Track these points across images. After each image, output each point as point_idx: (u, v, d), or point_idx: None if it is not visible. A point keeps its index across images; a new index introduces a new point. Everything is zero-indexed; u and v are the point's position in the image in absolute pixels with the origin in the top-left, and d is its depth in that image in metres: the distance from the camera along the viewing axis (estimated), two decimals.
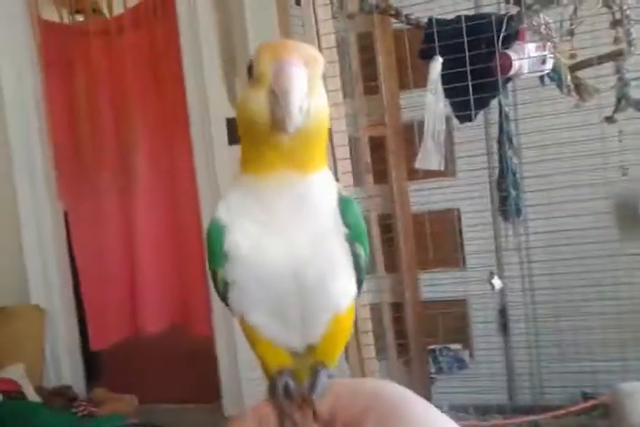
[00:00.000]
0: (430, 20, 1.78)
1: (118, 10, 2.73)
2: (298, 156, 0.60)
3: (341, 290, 0.65)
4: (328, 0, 1.75)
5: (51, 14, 2.79)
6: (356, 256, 0.67)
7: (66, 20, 2.77)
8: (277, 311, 0.64)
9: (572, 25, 1.88)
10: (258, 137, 0.58)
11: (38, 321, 2.66)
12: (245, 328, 0.64)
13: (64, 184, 2.78)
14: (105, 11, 2.81)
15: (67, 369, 2.77)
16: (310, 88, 0.58)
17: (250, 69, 0.59)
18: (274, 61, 0.56)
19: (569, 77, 1.85)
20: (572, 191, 1.84)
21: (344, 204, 0.67)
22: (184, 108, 2.59)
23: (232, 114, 2.47)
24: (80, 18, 2.86)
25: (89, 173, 2.75)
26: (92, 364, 2.96)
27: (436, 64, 1.61)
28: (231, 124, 2.49)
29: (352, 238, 0.67)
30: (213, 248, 0.64)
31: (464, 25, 1.69)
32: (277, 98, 0.55)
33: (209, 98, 2.50)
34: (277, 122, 0.55)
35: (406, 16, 1.92)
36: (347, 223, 0.66)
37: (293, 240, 0.62)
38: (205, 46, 2.48)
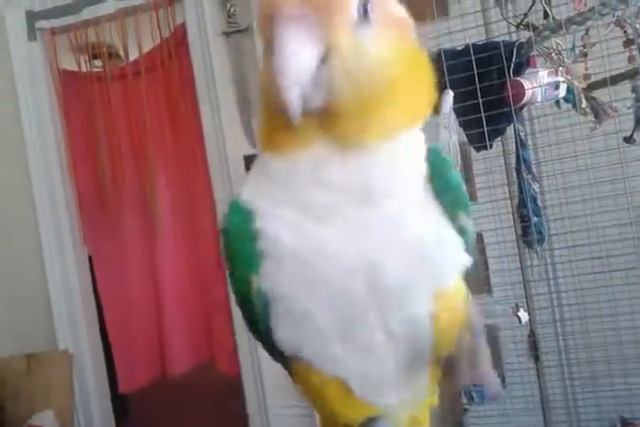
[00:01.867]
0: (439, 52, 1.78)
1: (133, 54, 2.80)
2: (343, 127, 0.47)
3: (441, 287, 0.49)
4: None
5: (69, 62, 2.87)
6: (461, 232, 0.51)
7: (84, 68, 2.85)
8: (352, 334, 0.46)
9: (584, 47, 1.86)
10: (280, 114, 0.45)
11: (67, 366, 2.66)
12: (305, 377, 0.47)
13: (88, 228, 2.82)
14: (121, 54, 2.88)
15: (96, 413, 2.75)
16: (332, 46, 0.45)
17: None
18: (269, 17, 0.45)
19: (584, 100, 1.82)
20: (596, 218, 1.80)
21: (435, 165, 0.51)
22: (202, 148, 2.62)
23: (249, 151, 2.50)
24: (97, 62, 2.94)
25: (112, 215, 2.79)
26: (121, 406, 2.95)
27: (448, 98, 1.61)
28: (249, 162, 2.51)
29: (451, 209, 0.51)
30: (238, 244, 0.48)
31: (473, 57, 1.69)
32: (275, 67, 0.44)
33: (226, 136, 2.53)
34: (280, 106, 0.45)
35: None
36: (440, 190, 0.50)
37: (360, 226, 0.47)
38: (220, 86, 2.52)
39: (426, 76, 0.51)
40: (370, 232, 0.47)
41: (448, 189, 0.50)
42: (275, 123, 0.48)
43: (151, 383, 2.77)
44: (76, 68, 2.85)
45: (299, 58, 0.44)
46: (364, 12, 0.47)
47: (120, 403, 2.94)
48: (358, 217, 0.48)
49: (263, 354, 2.56)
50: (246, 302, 0.48)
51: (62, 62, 2.85)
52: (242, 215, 0.49)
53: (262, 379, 2.47)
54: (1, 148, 2.80)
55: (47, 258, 2.73)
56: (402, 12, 0.53)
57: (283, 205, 0.48)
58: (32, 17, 2.76)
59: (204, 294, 2.73)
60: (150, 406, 2.92)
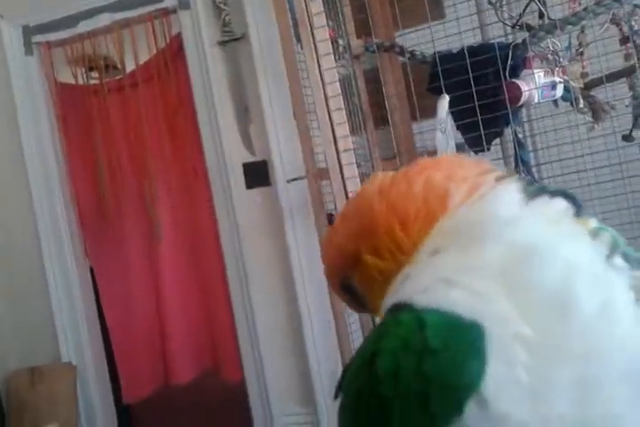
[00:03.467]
0: (434, 55, 1.78)
1: (130, 66, 2.81)
2: None
3: None
4: (329, 46, 1.76)
5: (66, 75, 2.88)
6: None
7: (81, 80, 2.85)
8: None
9: (580, 46, 1.87)
10: None
11: (71, 379, 2.65)
12: None
13: (89, 240, 2.82)
14: (118, 65, 2.89)
15: (101, 424, 2.74)
16: None
17: None
18: None
19: (581, 99, 1.83)
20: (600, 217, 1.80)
21: None
22: (201, 157, 2.62)
23: (248, 159, 2.50)
24: (94, 74, 2.95)
25: (112, 227, 2.79)
26: (125, 417, 2.93)
27: (443, 102, 1.61)
28: (248, 169, 2.51)
29: None
30: (444, 380, 0.30)
31: (468, 60, 1.69)
32: None
33: (224, 145, 2.53)
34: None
35: (411, 53, 1.93)
36: None
37: None
38: (217, 95, 2.52)
39: None
40: None
41: None
42: None
43: (155, 393, 2.76)
44: (73, 81, 2.85)
45: None
46: None
47: (124, 414, 2.93)
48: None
49: (267, 361, 2.56)
50: None
51: (59, 75, 2.86)
52: (469, 335, 0.31)
53: (266, 386, 2.46)
54: (0, 161, 2.80)
55: (49, 270, 2.73)
56: None
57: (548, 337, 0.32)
58: (28, 31, 2.77)
59: (206, 302, 2.73)
60: (154, 416, 2.91)
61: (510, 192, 0.40)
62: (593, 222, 0.40)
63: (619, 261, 0.37)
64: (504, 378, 0.31)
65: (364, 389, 0.35)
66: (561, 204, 0.40)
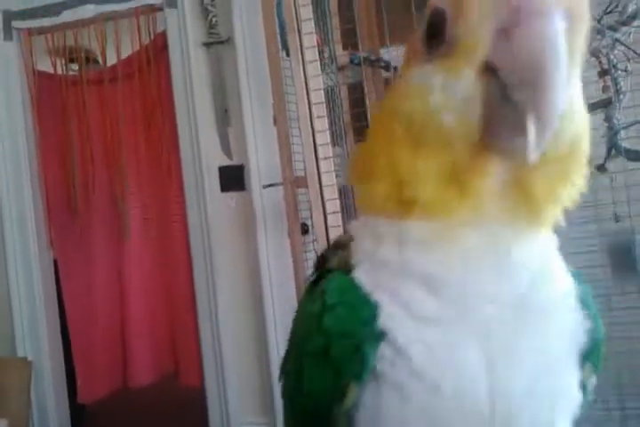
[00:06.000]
0: None
1: (111, 60, 2.77)
2: (529, 195, 0.34)
3: None
4: (316, 53, 1.76)
5: (45, 64, 2.82)
6: (582, 388, 0.40)
7: (60, 70, 2.80)
8: None
9: None
10: (444, 154, 0.32)
11: (25, 374, 2.58)
12: None
13: (55, 232, 2.76)
14: (99, 59, 2.85)
15: (53, 423, 2.68)
16: (570, 70, 0.31)
17: (433, 27, 0.32)
18: (504, 8, 0.29)
19: None
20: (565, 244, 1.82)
21: (583, 293, 0.42)
22: (176, 156, 2.59)
23: (224, 162, 2.48)
24: (74, 66, 2.90)
25: (80, 220, 2.74)
26: (79, 417, 2.87)
27: None
28: (223, 173, 2.49)
29: (585, 355, 0.40)
30: (350, 343, 0.34)
31: None
32: (509, 90, 0.29)
33: (201, 146, 2.51)
34: (503, 139, 0.31)
35: (395, 69, 1.94)
36: (586, 328, 0.40)
37: (508, 357, 0.35)
38: (198, 96, 2.50)
39: None
40: (519, 363, 0.36)
41: (595, 350, 0.40)
42: (427, 165, 0.33)
43: (112, 394, 2.71)
44: (51, 71, 2.80)
45: (564, 64, 0.30)
46: None
47: (79, 414, 2.87)
48: (504, 344, 0.35)
49: (228, 366, 2.54)
50: (318, 409, 0.36)
51: (38, 64, 2.81)
52: (364, 310, 0.34)
53: (226, 393, 2.43)
54: None
55: (10, 260, 2.66)
56: None
57: (417, 300, 0.35)
58: (9, 16, 2.71)
59: (171, 304, 2.69)
60: (110, 417, 2.86)
61: None
62: None
63: None
64: (399, 316, 0.35)
65: (289, 352, 0.42)
66: None
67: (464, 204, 0.34)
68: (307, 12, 1.66)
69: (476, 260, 0.34)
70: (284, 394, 0.46)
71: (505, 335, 0.35)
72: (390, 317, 0.35)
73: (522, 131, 0.29)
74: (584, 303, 0.41)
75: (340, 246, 0.44)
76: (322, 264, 0.46)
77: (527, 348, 0.37)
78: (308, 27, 1.70)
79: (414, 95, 0.32)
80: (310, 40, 1.70)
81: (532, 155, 0.29)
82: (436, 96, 0.30)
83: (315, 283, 0.43)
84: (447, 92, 0.29)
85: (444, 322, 0.34)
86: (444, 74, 0.29)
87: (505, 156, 0.32)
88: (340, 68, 2.14)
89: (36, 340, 2.66)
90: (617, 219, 1.91)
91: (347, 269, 0.40)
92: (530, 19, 0.27)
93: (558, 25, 0.28)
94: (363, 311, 0.35)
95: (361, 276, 0.37)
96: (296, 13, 1.70)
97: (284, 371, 0.45)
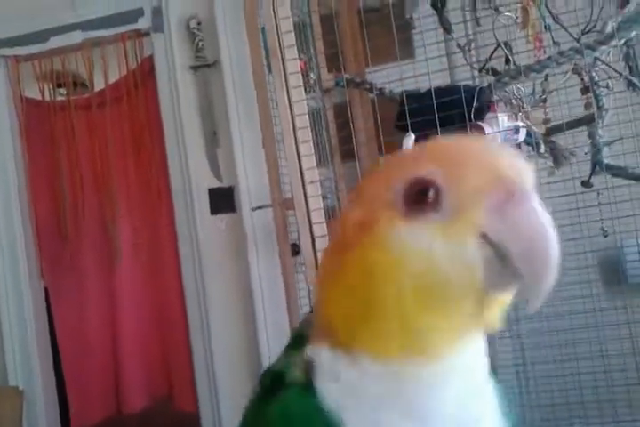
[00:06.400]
0: (402, 94, 1.81)
1: (99, 85, 2.78)
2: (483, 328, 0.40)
3: None
4: (300, 79, 1.77)
5: (33, 90, 2.83)
6: None
7: (47, 96, 2.81)
8: None
9: (543, 93, 1.92)
10: (453, 309, 0.37)
11: (17, 403, 2.56)
12: None
13: (45, 260, 2.75)
14: (87, 83, 2.86)
15: None
16: None
17: (415, 191, 0.37)
18: (493, 190, 0.36)
19: (542, 145, 1.87)
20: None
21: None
22: (166, 180, 2.59)
23: (214, 184, 2.48)
24: (62, 91, 2.91)
25: (70, 248, 2.73)
26: None
27: (409, 140, 1.63)
28: (213, 195, 2.49)
29: None
30: None
31: (435, 100, 1.72)
32: (505, 261, 0.36)
33: (191, 168, 2.51)
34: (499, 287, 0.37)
35: (380, 90, 1.95)
36: None
37: None
38: (186, 118, 2.51)
39: None
40: None
41: None
42: (417, 315, 0.37)
43: (105, 421, 2.68)
44: (39, 97, 2.81)
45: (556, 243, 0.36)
46: None
47: None
48: None
49: (222, 390, 2.51)
50: None
51: (26, 90, 2.81)
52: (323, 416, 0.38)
53: (220, 415, 2.41)
54: None
55: (1, 289, 2.64)
56: None
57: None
58: None
59: (163, 329, 2.67)
60: None
61: None
62: None
63: None
64: None
65: None
66: None
67: (440, 344, 0.39)
68: (289, 39, 1.68)
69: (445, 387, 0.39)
70: None
71: None
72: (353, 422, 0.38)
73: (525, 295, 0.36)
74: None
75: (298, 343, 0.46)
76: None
77: None
78: (292, 53, 1.71)
79: (416, 257, 0.36)
80: (294, 65, 1.71)
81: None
82: (443, 259, 0.35)
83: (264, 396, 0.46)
84: (453, 256, 0.35)
85: None
86: (447, 239, 0.35)
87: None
88: (326, 91, 2.15)
89: (28, 368, 2.63)
90: (605, 234, 1.92)
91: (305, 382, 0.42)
92: (523, 199, 0.34)
93: (546, 219, 0.35)
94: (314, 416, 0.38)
95: (329, 390, 0.40)
96: (279, 40, 1.72)
97: None
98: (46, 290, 2.78)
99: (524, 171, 0.37)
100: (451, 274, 0.35)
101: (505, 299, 0.39)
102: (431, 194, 0.36)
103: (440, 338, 0.38)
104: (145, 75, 2.67)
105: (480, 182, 0.35)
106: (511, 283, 0.37)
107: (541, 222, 0.35)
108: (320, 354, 0.42)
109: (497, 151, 0.38)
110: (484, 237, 0.36)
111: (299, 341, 0.47)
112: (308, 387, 0.41)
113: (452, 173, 0.36)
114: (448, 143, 0.40)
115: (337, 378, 0.40)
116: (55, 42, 2.67)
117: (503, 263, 0.36)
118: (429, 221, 0.36)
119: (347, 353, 0.40)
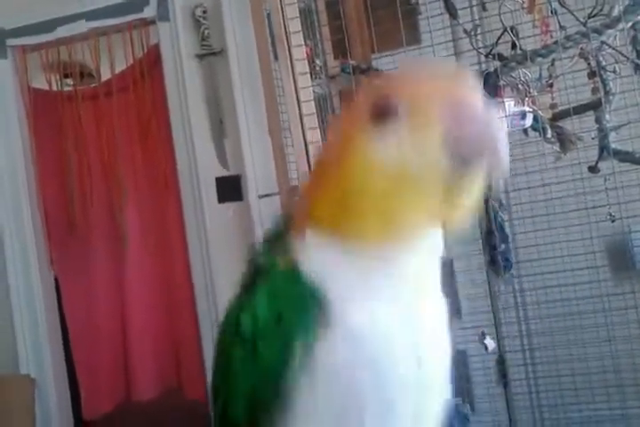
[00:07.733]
0: None
1: (106, 74, 2.78)
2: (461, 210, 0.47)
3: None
4: (306, 65, 1.77)
5: (40, 80, 2.84)
6: None
7: (55, 86, 2.82)
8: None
9: (550, 78, 1.91)
10: (416, 190, 0.44)
11: (28, 391, 2.58)
12: None
13: (55, 249, 2.77)
14: (93, 73, 2.87)
15: None
16: None
17: (380, 107, 0.45)
18: (451, 102, 0.44)
19: (549, 130, 1.86)
20: (564, 245, 1.83)
21: None
22: (173, 169, 2.60)
23: (221, 173, 2.49)
24: (69, 81, 2.91)
25: (79, 236, 2.74)
26: None
27: None
28: (221, 183, 2.50)
29: None
30: (301, 307, 0.47)
31: None
32: (469, 145, 0.43)
33: (198, 157, 2.52)
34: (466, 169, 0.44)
35: None
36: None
37: (420, 321, 0.50)
38: (193, 107, 2.51)
39: None
40: (421, 324, 0.50)
41: None
42: (395, 203, 0.45)
43: (116, 410, 2.70)
44: (46, 87, 2.82)
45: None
46: None
47: None
48: (416, 306, 0.50)
49: None
50: (270, 369, 0.47)
51: (33, 81, 2.82)
52: (310, 285, 0.48)
53: None
54: None
55: (12, 279, 2.67)
56: None
57: (355, 287, 0.48)
58: (3, 34, 2.73)
59: (173, 317, 2.69)
60: None
61: None
62: None
63: None
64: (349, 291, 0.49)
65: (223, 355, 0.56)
66: None
67: (412, 226, 0.47)
68: (295, 25, 1.68)
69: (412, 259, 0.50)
70: (220, 389, 0.57)
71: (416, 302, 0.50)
72: (331, 291, 0.47)
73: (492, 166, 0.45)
74: None
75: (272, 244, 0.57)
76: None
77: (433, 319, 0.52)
78: (297, 39, 1.71)
79: (391, 154, 0.45)
80: (300, 52, 1.71)
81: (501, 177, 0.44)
82: (411, 151, 0.43)
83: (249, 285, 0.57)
84: (417, 148, 0.43)
85: (374, 294, 0.48)
86: (411, 137, 0.43)
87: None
88: (332, 78, 2.15)
89: (39, 357, 2.66)
90: (612, 219, 1.92)
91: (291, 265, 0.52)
92: (467, 100, 0.43)
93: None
94: (308, 286, 0.47)
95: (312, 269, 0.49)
96: (285, 26, 1.72)
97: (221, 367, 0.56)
98: (56, 279, 2.81)
99: (471, 86, 0.45)
100: (418, 164, 0.43)
101: (469, 189, 0.45)
102: (392, 105, 0.44)
103: (410, 224, 0.46)
104: (151, 64, 2.67)
105: (432, 92, 0.43)
106: (470, 164, 0.43)
107: (484, 110, 0.43)
108: (307, 242, 0.50)
109: (449, 73, 0.47)
110: (441, 130, 0.43)
111: (273, 241, 0.56)
112: (293, 270, 0.50)
113: (409, 89, 0.44)
114: (407, 71, 0.48)
115: (323, 261, 0.48)
116: (61, 31, 2.67)
117: (459, 149, 0.43)
118: (394, 125, 0.44)
119: (331, 240, 0.48)
